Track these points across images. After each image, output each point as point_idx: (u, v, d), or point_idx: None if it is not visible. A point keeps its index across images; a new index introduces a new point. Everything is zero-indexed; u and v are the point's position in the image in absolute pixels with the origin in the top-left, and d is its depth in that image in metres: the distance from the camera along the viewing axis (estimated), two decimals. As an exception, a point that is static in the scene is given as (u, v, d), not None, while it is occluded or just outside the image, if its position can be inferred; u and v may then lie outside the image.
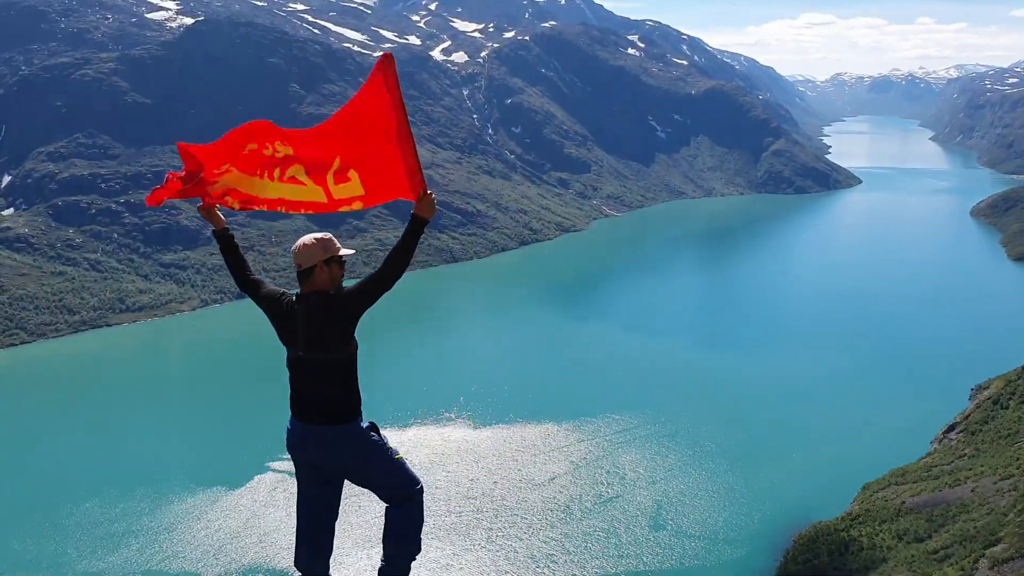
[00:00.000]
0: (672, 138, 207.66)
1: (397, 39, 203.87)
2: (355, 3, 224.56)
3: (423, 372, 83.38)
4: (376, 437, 6.72)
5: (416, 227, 6.74)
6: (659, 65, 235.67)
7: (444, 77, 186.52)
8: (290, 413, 6.98)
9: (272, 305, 6.88)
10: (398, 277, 6.59)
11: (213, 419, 73.04)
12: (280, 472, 61.57)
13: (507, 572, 49.68)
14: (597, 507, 57.17)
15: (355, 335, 6.64)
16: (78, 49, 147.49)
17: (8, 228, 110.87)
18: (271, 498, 58.19)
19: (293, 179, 7.06)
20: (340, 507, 7.08)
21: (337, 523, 7.20)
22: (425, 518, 7.13)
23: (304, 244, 6.82)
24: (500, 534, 53.56)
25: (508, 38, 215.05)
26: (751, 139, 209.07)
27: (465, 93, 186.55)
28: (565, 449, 65.28)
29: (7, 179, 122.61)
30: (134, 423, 72.65)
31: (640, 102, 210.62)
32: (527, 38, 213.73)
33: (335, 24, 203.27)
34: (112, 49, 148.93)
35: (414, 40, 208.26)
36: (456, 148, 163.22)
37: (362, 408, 6.77)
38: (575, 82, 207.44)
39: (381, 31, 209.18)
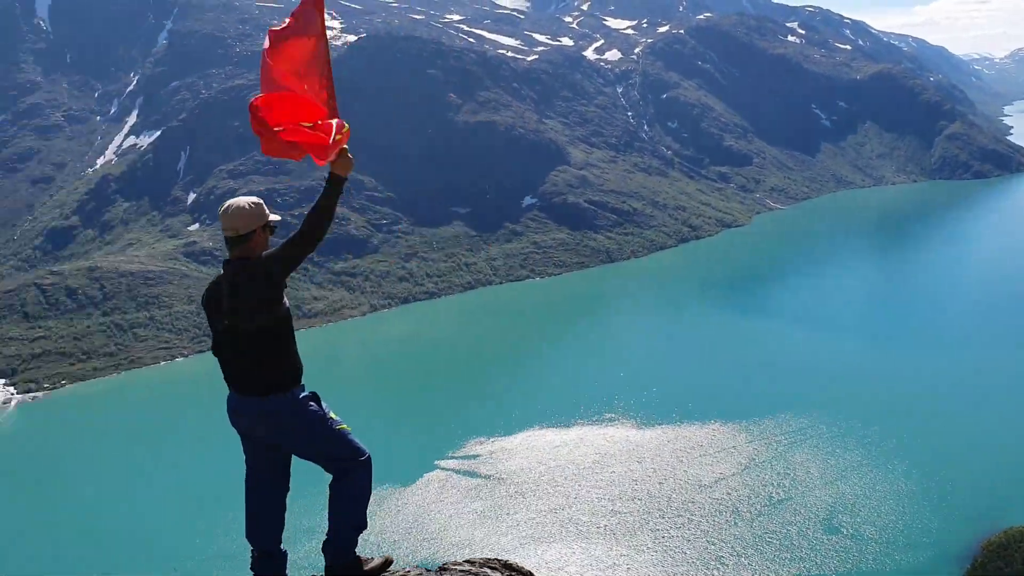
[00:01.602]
0: (838, 126, 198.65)
1: (550, 42, 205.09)
2: (508, 10, 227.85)
3: (585, 372, 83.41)
4: (315, 407, 6.44)
5: (336, 186, 6.68)
6: (821, 51, 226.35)
7: (597, 76, 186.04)
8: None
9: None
10: (320, 238, 6.45)
11: (384, 418, 75.66)
12: (448, 471, 63.11)
13: (675, 574, 48.90)
14: (767, 509, 55.41)
15: (285, 301, 6.39)
16: (252, 71, 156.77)
17: (194, 242, 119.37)
18: (440, 496, 59.65)
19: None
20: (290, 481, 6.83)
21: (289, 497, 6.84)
22: (372, 490, 6.75)
23: (242, 208, 6.79)
24: (666, 535, 52.82)
25: (662, 33, 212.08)
26: (923, 123, 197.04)
27: (619, 91, 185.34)
28: (732, 450, 63.65)
29: (192, 196, 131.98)
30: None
31: (802, 90, 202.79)
32: (682, 31, 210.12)
33: (489, 32, 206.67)
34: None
35: (567, 41, 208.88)
36: (611, 147, 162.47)
37: (301, 378, 6.52)
38: (733, 73, 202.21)
39: (534, 35, 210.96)
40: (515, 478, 61.58)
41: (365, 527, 6.42)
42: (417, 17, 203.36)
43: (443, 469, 63.54)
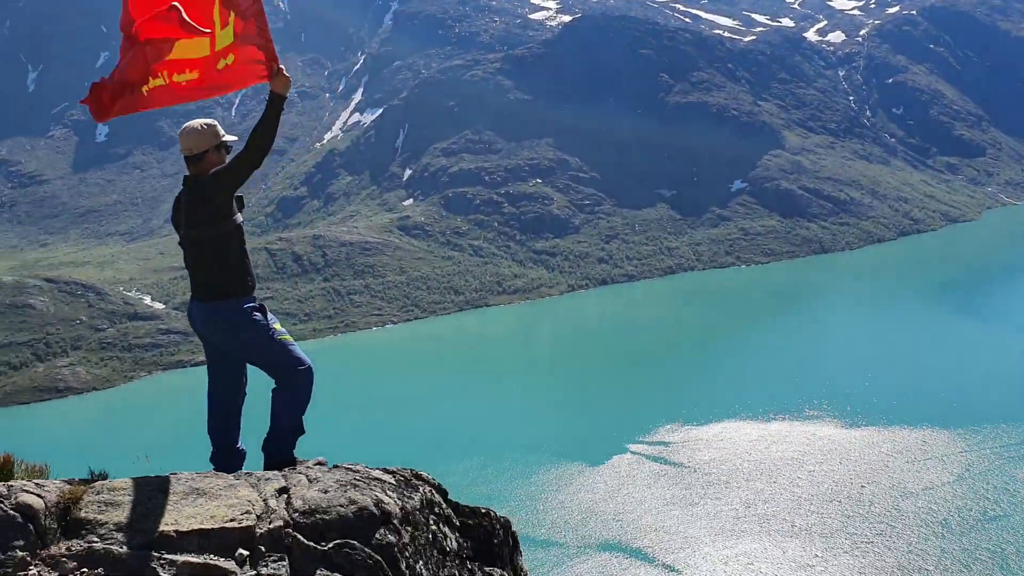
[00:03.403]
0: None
1: (769, 22, 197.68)
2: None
3: (789, 366, 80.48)
4: (259, 317, 6.74)
5: (277, 104, 6.73)
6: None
7: (818, 59, 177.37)
8: None
9: None
10: (264, 153, 6.49)
11: (577, 397, 76.48)
12: (638, 455, 62.92)
13: (873, 583, 46.61)
14: (980, 524, 51.48)
15: (234, 216, 6.65)
16: (469, 52, 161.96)
17: (407, 217, 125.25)
18: (628, 478, 59.59)
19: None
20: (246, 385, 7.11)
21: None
22: (310, 401, 7.01)
23: (195, 129, 6.86)
24: (866, 541, 50.32)
25: (891, 14, 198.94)
26: None
27: (841, 74, 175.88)
28: (945, 458, 59.52)
29: (408, 173, 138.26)
30: (506, 393, 78.40)
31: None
32: (914, 12, 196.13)
33: (706, 12, 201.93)
34: (498, 50, 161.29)
35: (787, 22, 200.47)
36: (829, 132, 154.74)
37: (253, 290, 6.86)
38: (969, 58, 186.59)
39: (753, 15, 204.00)
40: (707, 468, 60.52)
41: (302, 432, 6.91)
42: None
43: (633, 453, 63.36)
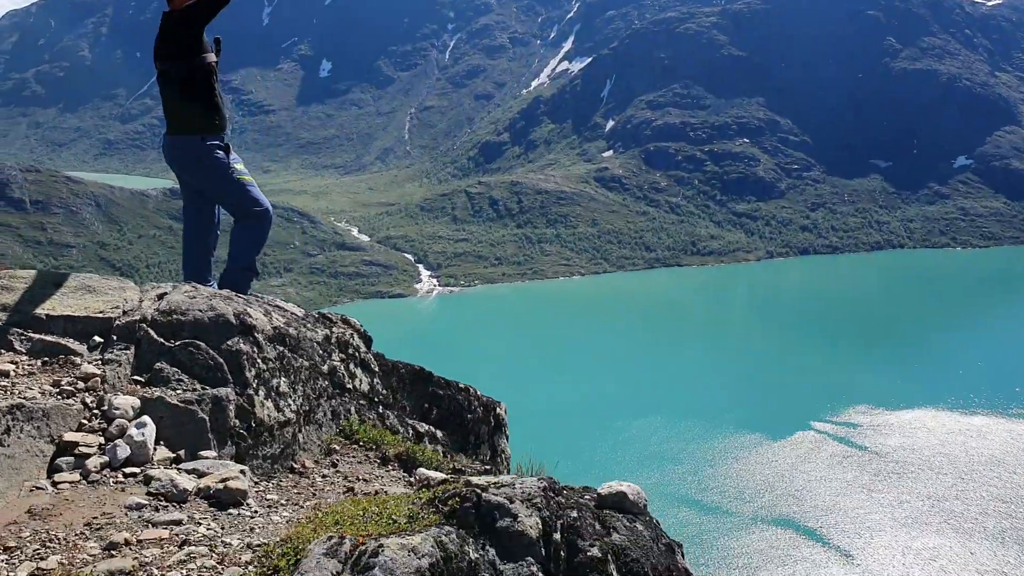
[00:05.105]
0: None
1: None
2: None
3: (1000, 359, 74.20)
4: (221, 155, 6.76)
5: None
6: None
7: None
8: None
9: None
10: None
11: (764, 369, 73.74)
12: (822, 433, 60.04)
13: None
14: None
15: (205, 54, 6.70)
16: (685, 4, 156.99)
17: (605, 168, 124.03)
18: (810, 456, 57.05)
19: None
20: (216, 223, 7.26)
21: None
22: (265, 243, 7.21)
23: None
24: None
25: None
26: None
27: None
28: None
29: (610, 124, 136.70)
30: (690, 356, 76.65)
31: None
32: None
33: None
34: (715, 3, 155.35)
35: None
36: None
37: (220, 130, 6.85)
38: None
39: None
40: (895, 456, 56.78)
41: (255, 272, 7.10)
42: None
43: (817, 431, 60.57)
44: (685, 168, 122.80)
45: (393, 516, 3.04)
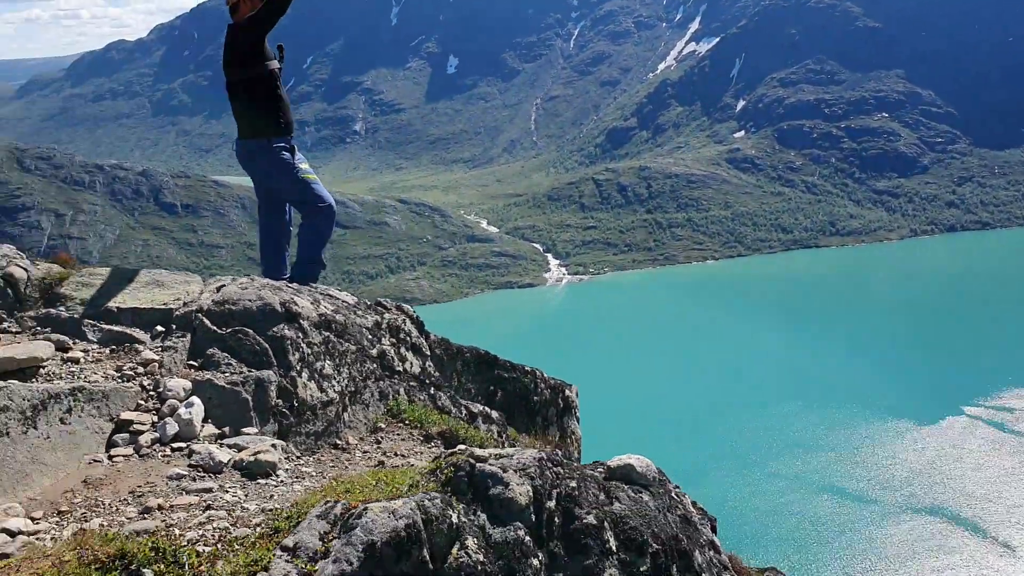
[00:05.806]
0: None
1: None
2: None
3: None
4: (287, 156, 7.09)
5: None
6: None
7: None
8: None
9: None
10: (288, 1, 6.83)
11: (910, 352, 70.69)
12: (974, 418, 57.25)
13: None
14: None
15: (267, 62, 7.00)
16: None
17: (737, 149, 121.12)
18: (961, 443, 54.49)
19: None
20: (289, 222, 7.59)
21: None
22: (331, 237, 7.61)
23: None
24: None
25: None
26: None
27: None
28: None
29: (741, 103, 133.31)
30: (832, 340, 74.19)
31: None
32: None
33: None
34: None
35: None
36: None
37: (286, 133, 7.15)
38: None
39: None
40: (1058, 442, 53.42)
41: (322, 265, 7.46)
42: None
43: (970, 416, 57.77)
44: (821, 146, 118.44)
45: (398, 485, 3.29)
